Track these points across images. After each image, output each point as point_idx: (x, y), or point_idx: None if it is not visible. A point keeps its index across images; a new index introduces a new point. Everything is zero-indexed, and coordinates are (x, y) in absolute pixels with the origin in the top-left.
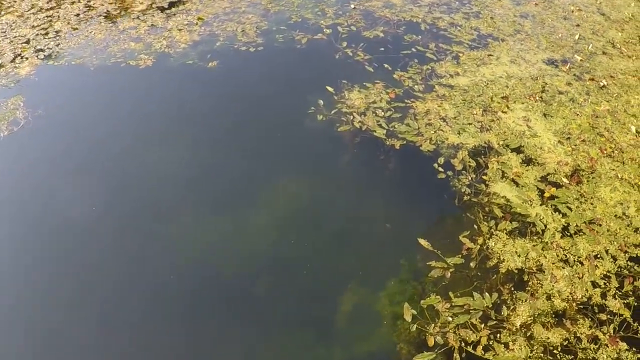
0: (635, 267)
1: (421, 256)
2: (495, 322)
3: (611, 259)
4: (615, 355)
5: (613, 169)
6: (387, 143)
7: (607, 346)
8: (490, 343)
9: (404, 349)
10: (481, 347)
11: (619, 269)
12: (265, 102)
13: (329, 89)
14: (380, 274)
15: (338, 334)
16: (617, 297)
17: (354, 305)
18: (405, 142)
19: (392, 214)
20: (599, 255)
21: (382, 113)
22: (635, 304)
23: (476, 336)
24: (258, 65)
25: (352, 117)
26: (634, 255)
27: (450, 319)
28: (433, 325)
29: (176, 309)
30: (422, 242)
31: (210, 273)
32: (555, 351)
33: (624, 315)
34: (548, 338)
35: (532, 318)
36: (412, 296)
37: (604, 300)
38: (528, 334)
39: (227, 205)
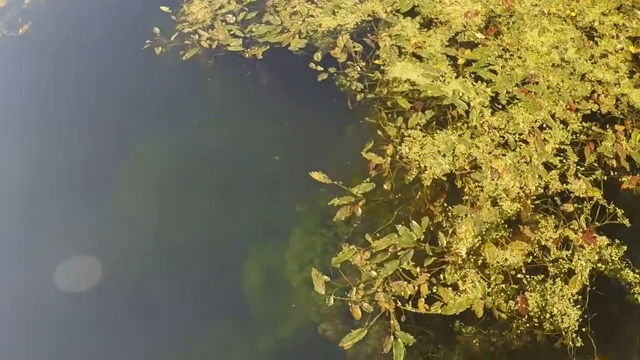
0: (594, 128)
1: (320, 193)
2: (433, 258)
3: (561, 126)
4: (596, 257)
5: (535, 4)
6: (248, 55)
7: (583, 247)
8: (434, 290)
9: (328, 330)
10: (423, 300)
11: (574, 136)
12: (95, 51)
13: (164, 9)
14: (280, 229)
15: (248, 321)
16: (580, 175)
17: (260, 277)
18: (268, 47)
19: (276, 142)
20: (544, 125)
21: (234, 18)
22: (605, 177)
23: (413, 287)
24: (75, 13)
25: (197, 36)
26: (588, 112)
27: (374, 273)
28: (354, 289)
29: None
30: (316, 175)
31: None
32: (519, 275)
33: (595, 197)
34: (506, 260)
35: (479, 238)
36: (321, 254)
37: (565, 185)
38: (479, 262)
39: (86, 186)
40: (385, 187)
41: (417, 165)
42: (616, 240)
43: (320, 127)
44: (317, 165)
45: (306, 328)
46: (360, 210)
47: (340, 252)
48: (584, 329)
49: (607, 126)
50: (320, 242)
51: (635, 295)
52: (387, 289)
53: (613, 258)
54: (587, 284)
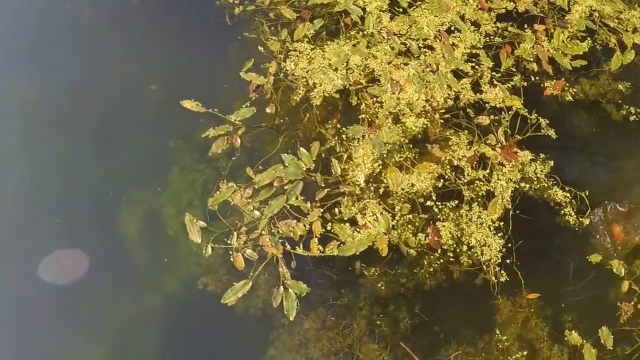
0: (510, 28)
1: (200, 125)
2: (326, 190)
3: (472, 28)
4: (519, 175)
5: None
6: None
7: (503, 165)
8: (329, 228)
9: (210, 284)
10: (316, 240)
11: (488, 39)
12: None
13: None
14: (158, 170)
15: (129, 277)
16: (495, 82)
17: (137, 227)
18: None
19: (150, 69)
20: (453, 28)
21: None
22: (525, 83)
23: (304, 226)
24: None
25: None
26: (503, 11)
27: (257, 213)
28: (235, 234)
29: None
30: (188, 104)
31: None
32: (429, 202)
33: (514, 107)
34: (412, 186)
35: (380, 163)
36: (202, 194)
37: (478, 95)
38: (381, 190)
39: None
40: (268, 111)
41: (305, 83)
42: (541, 154)
43: (196, 47)
44: (194, 92)
45: (189, 282)
46: (239, 141)
47: (218, 192)
48: (508, 261)
49: (526, 26)
50: (200, 181)
51: (567, 217)
52: (273, 230)
53: (538, 176)
54: (510, 207)
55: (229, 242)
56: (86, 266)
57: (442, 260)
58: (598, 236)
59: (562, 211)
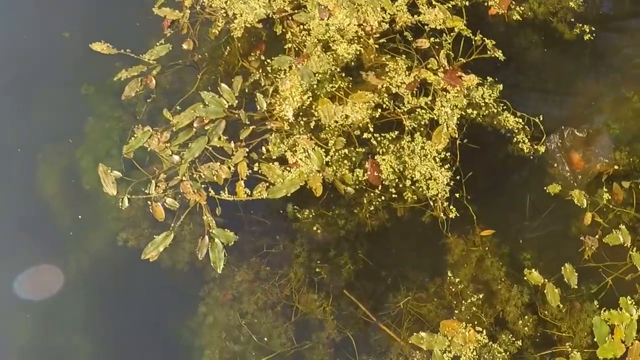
0: None
1: (115, 68)
2: (252, 127)
3: None
4: (465, 101)
5: None
6: None
7: (447, 91)
8: (256, 169)
9: (130, 239)
10: (242, 183)
11: None
12: None
13: None
14: (71, 121)
15: (53, 238)
16: (434, 2)
17: (56, 185)
18: None
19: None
20: None
21: None
22: (467, 2)
23: (229, 168)
24: None
25: None
26: None
27: (177, 158)
28: (153, 183)
29: None
30: (98, 47)
31: None
32: (366, 135)
33: (456, 28)
34: (347, 118)
35: (309, 95)
36: (120, 143)
37: (416, 17)
38: (312, 124)
39: None
40: (185, 47)
41: (224, 15)
42: (489, 78)
43: None
44: (107, 35)
45: (110, 239)
46: (154, 81)
47: (133, 138)
48: (457, 195)
49: None
50: (117, 129)
51: (520, 145)
52: (195, 175)
53: (487, 101)
54: (456, 136)
55: (147, 191)
56: (5, 229)
57: (383, 198)
58: (556, 165)
59: (515, 139)
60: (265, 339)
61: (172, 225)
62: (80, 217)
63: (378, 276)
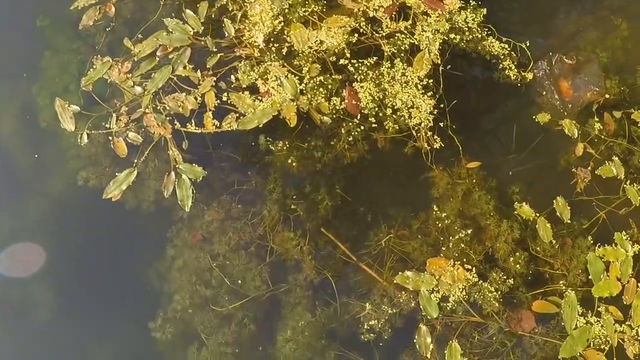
0: None
1: None
2: (219, 55)
3: None
4: (447, 25)
5: None
6: None
7: (428, 15)
8: (225, 100)
9: (91, 178)
10: (210, 114)
11: None
12: None
13: None
14: (26, 55)
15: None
16: None
17: (12, 124)
18: None
19: None
20: None
21: None
22: None
23: (195, 98)
24: None
25: None
26: None
27: (139, 89)
28: (114, 116)
29: None
30: None
31: None
32: (342, 61)
33: None
34: (321, 43)
35: (281, 20)
36: (77, 76)
37: None
38: (284, 51)
39: None
40: None
41: None
42: (471, 1)
43: None
44: None
45: (70, 179)
46: (113, 9)
47: (92, 69)
48: (442, 124)
49: None
50: (75, 62)
51: (506, 72)
52: (159, 107)
53: (470, 25)
54: (439, 62)
55: (108, 126)
56: None
57: (362, 128)
58: (544, 93)
59: (501, 65)
60: (239, 281)
61: (136, 161)
62: (36, 156)
63: (357, 213)
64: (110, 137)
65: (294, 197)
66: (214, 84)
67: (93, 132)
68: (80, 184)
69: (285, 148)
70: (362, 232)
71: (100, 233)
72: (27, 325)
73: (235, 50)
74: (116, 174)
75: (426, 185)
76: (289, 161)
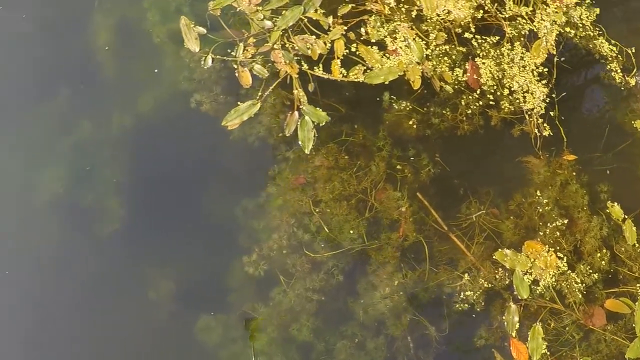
0: None
1: None
2: (350, 5)
3: None
4: (564, 18)
5: None
6: None
7: (547, 5)
8: (354, 50)
9: (205, 102)
10: (338, 62)
11: None
12: None
13: None
14: None
15: (99, 93)
16: None
17: (111, 35)
18: None
19: None
20: None
21: None
22: None
23: (324, 44)
24: None
25: None
26: None
27: (269, 23)
28: (241, 45)
29: None
30: None
31: None
32: (467, 34)
33: None
34: (449, 13)
35: None
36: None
37: None
38: (413, 13)
39: None
40: None
41: None
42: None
43: None
44: None
45: (175, 100)
46: None
47: None
48: (552, 113)
49: None
50: None
51: (612, 73)
52: (287, 45)
53: (584, 22)
54: (554, 53)
55: (233, 54)
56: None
57: (480, 103)
58: None
59: (608, 66)
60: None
61: (260, 94)
62: (156, 70)
63: (453, 184)
64: (235, 66)
65: (400, 157)
66: (344, 32)
67: (217, 57)
68: (193, 106)
69: (405, 108)
70: (455, 204)
71: (196, 160)
72: (97, 235)
73: (367, 3)
74: (238, 103)
75: (525, 169)
76: (407, 121)
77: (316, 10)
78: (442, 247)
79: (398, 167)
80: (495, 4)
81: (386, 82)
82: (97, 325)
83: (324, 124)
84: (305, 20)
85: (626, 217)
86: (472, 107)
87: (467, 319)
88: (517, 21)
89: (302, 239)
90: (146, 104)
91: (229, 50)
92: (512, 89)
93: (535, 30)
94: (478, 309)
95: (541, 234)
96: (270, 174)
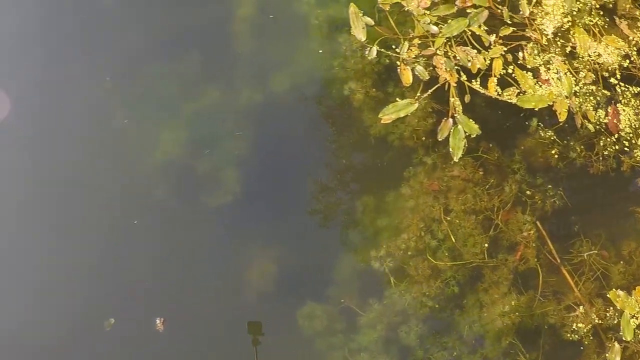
0: None
1: None
2: (512, 28)
3: None
4: None
5: None
6: None
7: None
8: (509, 71)
9: (358, 92)
10: (495, 79)
11: None
12: None
13: None
14: None
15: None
16: None
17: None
18: None
19: None
20: None
21: None
22: None
23: (484, 59)
24: None
25: None
26: None
27: (435, 28)
28: (406, 44)
29: None
30: None
31: None
32: (612, 79)
33: None
34: (599, 56)
35: (569, 19)
36: None
37: None
38: (567, 49)
39: None
40: None
41: None
42: None
43: None
44: None
45: (317, 83)
46: None
47: None
48: None
49: None
50: None
51: None
52: (449, 53)
53: None
54: None
55: (398, 51)
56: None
57: (616, 147)
58: None
59: None
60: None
61: (418, 94)
62: (320, 51)
63: (572, 220)
64: (397, 62)
65: (529, 183)
66: (502, 53)
67: (382, 50)
68: (346, 93)
69: (549, 137)
70: (567, 239)
71: (330, 146)
72: (204, 204)
73: (526, 30)
74: (396, 99)
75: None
76: (543, 151)
77: (480, 26)
78: (551, 278)
79: (528, 192)
80: None
81: (535, 109)
82: (183, 296)
83: (474, 135)
84: (469, 33)
85: None
86: (608, 149)
87: (563, 352)
88: None
89: (429, 244)
90: (280, 83)
91: (393, 46)
92: None
93: None
94: (586, 342)
95: None
96: (406, 175)
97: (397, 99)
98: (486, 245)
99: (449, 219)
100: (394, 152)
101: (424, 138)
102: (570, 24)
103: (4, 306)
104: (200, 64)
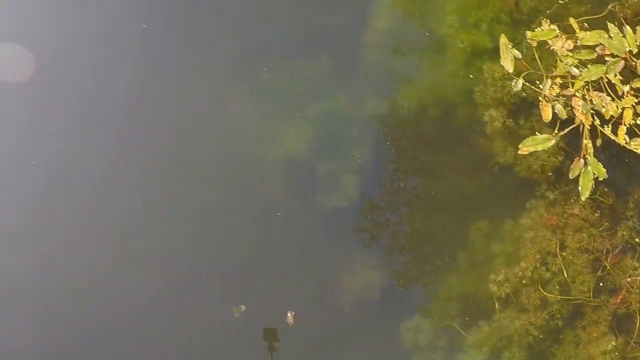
0: None
1: None
2: None
3: None
4: None
5: None
6: None
7: None
8: (638, 121)
9: (496, 120)
10: (625, 128)
11: None
12: None
13: None
14: None
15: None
16: None
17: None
18: None
19: None
20: None
21: None
22: None
23: (617, 107)
24: None
25: None
26: None
27: (576, 70)
28: (549, 81)
29: None
30: None
31: None
32: None
33: None
34: None
35: None
36: (490, 20)
37: None
38: None
39: None
40: None
41: None
42: None
43: None
44: None
45: (461, 108)
46: None
47: (539, 28)
48: None
49: None
50: (496, 6)
51: None
52: (586, 97)
53: None
54: None
55: (541, 87)
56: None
57: None
58: None
59: None
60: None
61: (556, 132)
62: (471, 76)
63: None
64: (540, 98)
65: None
66: (634, 104)
67: (526, 84)
68: (485, 119)
69: None
70: None
71: (453, 166)
72: (318, 204)
73: None
74: (536, 133)
75: None
76: None
77: (615, 75)
78: None
79: (637, 239)
80: None
81: None
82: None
83: (602, 179)
84: (605, 80)
85: None
86: None
87: None
88: None
89: (543, 276)
90: (408, 98)
91: (536, 82)
92: None
93: None
94: None
95: None
96: (528, 206)
97: (536, 133)
98: (592, 284)
99: (564, 254)
100: (517, 182)
101: (550, 173)
102: None
103: None
104: (334, 66)
